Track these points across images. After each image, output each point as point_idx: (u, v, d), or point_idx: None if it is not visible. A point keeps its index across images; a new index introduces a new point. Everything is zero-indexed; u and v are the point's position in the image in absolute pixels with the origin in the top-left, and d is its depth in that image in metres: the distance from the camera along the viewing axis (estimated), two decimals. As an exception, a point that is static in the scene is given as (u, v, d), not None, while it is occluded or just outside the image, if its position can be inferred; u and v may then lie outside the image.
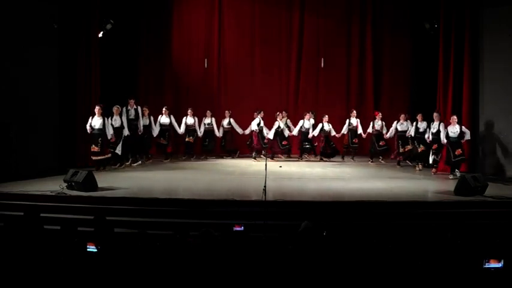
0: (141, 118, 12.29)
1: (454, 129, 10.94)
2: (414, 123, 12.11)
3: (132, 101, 12.20)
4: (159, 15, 15.26)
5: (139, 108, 12.31)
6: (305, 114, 13.61)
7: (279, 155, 13.95)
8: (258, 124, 13.36)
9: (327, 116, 13.56)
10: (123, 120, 11.78)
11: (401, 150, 12.52)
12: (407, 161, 12.88)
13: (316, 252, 4.88)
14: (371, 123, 13.30)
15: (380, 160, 13.44)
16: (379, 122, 13.12)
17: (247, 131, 13.90)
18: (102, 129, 11.13)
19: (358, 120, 13.52)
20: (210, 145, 13.88)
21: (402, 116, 12.60)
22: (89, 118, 11.26)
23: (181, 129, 13.43)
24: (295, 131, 13.59)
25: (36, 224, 6.05)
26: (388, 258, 4.80)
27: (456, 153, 10.88)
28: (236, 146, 14.31)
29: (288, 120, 13.90)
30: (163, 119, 13.09)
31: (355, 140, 13.48)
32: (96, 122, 11.13)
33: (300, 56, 15.29)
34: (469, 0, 11.65)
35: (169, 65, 15.41)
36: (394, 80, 15.10)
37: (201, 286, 4.45)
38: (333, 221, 7.69)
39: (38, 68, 11.25)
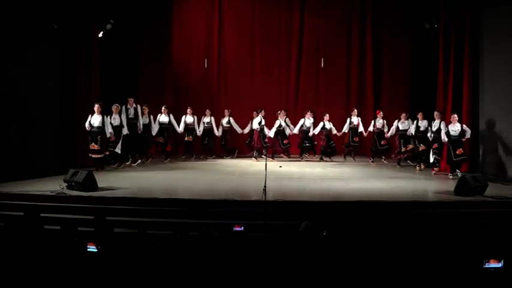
0: (140, 117, 12.28)
1: (455, 128, 10.94)
2: (415, 122, 12.12)
3: (131, 100, 12.19)
4: (159, 15, 15.27)
5: (138, 107, 12.30)
6: (306, 113, 13.63)
7: (280, 155, 13.95)
8: (259, 123, 13.36)
9: (327, 114, 13.57)
10: (123, 118, 11.77)
11: (403, 149, 12.53)
12: (408, 161, 12.88)
13: (316, 252, 4.88)
14: (372, 121, 13.31)
15: (383, 160, 13.44)
16: (381, 121, 13.13)
17: (246, 130, 13.92)
18: (101, 127, 11.11)
19: (360, 118, 13.53)
20: (210, 144, 13.87)
21: (403, 115, 12.62)
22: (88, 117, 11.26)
23: (180, 128, 13.43)
24: (296, 130, 13.60)
25: (36, 224, 6.04)
26: (388, 258, 4.80)
27: (457, 152, 10.87)
28: (235, 145, 14.32)
29: (287, 119, 13.91)
30: (163, 118, 13.09)
31: (356, 139, 13.49)
32: (95, 120, 11.12)
33: (300, 56, 15.30)
34: (469, 0, 11.65)
35: (169, 65, 15.42)
36: (394, 80, 15.09)
37: (201, 286, 4.45)
38: (333, 221, 7.69)
39: (38, 68, 11.25)
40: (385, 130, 12.99)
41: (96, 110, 11.16)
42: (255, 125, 13.41)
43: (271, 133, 13.40)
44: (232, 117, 13.98)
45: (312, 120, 13.59)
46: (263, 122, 13.39)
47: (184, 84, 15.41)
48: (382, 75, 15.19)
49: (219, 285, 4.44)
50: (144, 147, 12.76)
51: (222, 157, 14.07)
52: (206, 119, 13.76)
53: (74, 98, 11.88)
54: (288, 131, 13.60)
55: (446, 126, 11.08)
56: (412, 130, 12.14)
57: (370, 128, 13.31)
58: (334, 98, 15.18)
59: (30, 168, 10.75)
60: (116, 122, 11.57)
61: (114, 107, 11.67)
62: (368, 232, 6.54)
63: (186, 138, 13.55)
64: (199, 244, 5.09)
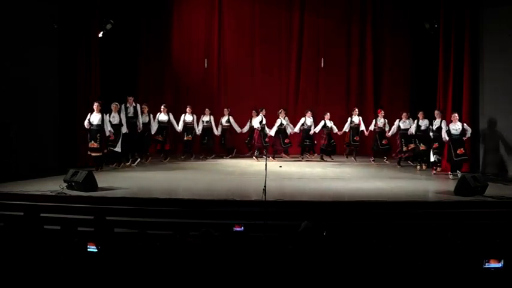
0: (140, 116, 12.27)
1: (455, 127, 10.94)
2: (415, 121, 12.12)
3: (130, 99, 12.18)
4: (159, 15, 15.27)
5: (138, 106, 12.30)
6: (306, 112, 13.63)
7: (281, 154, 13.95)
8: (261, 122, 13.36)
9: (328, 113, 13.57)
10: (122, 117, 11.76)
11: (404, 148, 12.53)
12: (409, 162, 12.87)
13: (316, 252, 4.88)
14: (373, 120, 13.32)
15: (385, 160, 13.44)
16: (382, 120, 13.13)
17: (244, 129, 13.93)
18: (101, 126, 11.10)
19: (361, 118, 13.54)
20: (209, 143, 13.86)
21: (404, 114, 12.64)
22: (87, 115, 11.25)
23: (179, 127, 13.42)
24: (296, 128, 13.61)
25: (36, 224, 6.04)
26: (388, 258, 4.80)
27: (458, 152, 10.86)
28: (234, 144, 14.32)
29: (287, 118, 13.91)
30: (162, 117, 13.08)
31: (357, 138, 13.49)
32: (94, 118, 11.10)
33: (300, 56, 15.30)
34: (469, 0, 11.65)
35: (169, 65, 15.42)
36: (394, 80, 15.10)
37: (201, 286, 4.45)
38: (333, 221, 7.69)
39: (38, 68, 11.25)
40: (387, 129, 12.99)
41: (95, 109, 11.15)
42: (256, 124, 13.40)
43: (272, 132, 13.41)
44: (231, 116, 13.98)
45: (312, 119, 13.60)
46: (264, 121, 13.40)
47: (184, 84, 15.42)
48: (382, 75, 15.20)
49: (219, 285, 4.44)
50: (143, 147, 12.75)
51: (221, 157, 14.07)
52: (205, 118, 13.75)
53: (74, 98, 11.88)
54: (289, 130, 13.61)
55: (447, 125, 11.08)
56: (412, 129, 12.15)
57: (372, 127, 13.31)
58: (334, 98, 15.18)
59: (30, 168, 10.75)
60: (115, 121, 11.55)
61: (113, 106, 11.66)
62: (368, 232, 6.54)
63: (185, 138, 13.55)
64: (199, 244, 5.09)
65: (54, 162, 11.43)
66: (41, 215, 6.56)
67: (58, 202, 8.68)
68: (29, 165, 10.82)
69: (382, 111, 13.22)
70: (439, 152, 11.44)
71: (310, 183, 10.46)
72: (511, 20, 11.24)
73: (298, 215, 7.46)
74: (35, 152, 11.05)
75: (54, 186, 9.28)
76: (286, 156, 13.95)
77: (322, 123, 13.51)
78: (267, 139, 13.42)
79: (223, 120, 13.94)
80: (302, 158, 13.79)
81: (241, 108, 14.44)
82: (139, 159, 12.55)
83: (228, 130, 14.00)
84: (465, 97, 11.69)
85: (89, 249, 4.90)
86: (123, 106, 11.94)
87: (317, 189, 9.74)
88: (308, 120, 13.55)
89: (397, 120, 12.71)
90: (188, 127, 13.50)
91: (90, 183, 9.15)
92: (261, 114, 13.42)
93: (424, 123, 11.95)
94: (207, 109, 13.86)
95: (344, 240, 5.47)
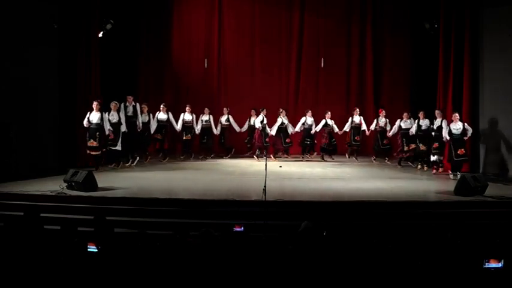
0: (139, 115, 12.26)
1: (456, 126, 10.94)
2: (416, 121, 12.12)
3: (130, 98, 12.16)
4: (159, 15, 15.27)
5: (137, 105, 12.29)
6: (307, 111, 13.64)
7: (282, 154, 13.94)
8: (262, 121, 13.35)
9: (329, 112, 13.56)
10: (121, 116, 11.75)
11: (405, 148, 12.53)
12: (409, 162, 12.84)
13: (316, 252, 4.88)
14: (375, 120, 13.32)
15: (386, 161, 13.43)
16: (383, 119, 13.12)
17: (243, 129, 13.93)
18: (100, 124, 11.09)
19: (362, 117, 13.54)
20: (208, 143, 13.83)
21: (405, 114, 12.65)
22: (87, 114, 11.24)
23: (179, 126, 13.40)
24: (297, 128, 13.61)
25: (36, 224, 6.04)
26: (388, 258, 4.80)
27: (459, 152, 10.85)
28: (233, 143, 14.32)
29: (286, 119, 13.89)
30: (161, 116, 13.07)
31: (357, 138, 13.49)
32: (93, 116, 11.09)
33: (300, 56, 15.30)
34: (469, 0, 11.65)
35: (169, 65, 15.42)
36: (394, 80, 15.10)
37: (201, 286, 4.45)
38: (333, 221, 7.69)
39: (38, 68, 11.24)
40: (388, 128, 12.99)
41: (94, 107, 11.14)
42: (257, 123, 13.38)
43: (273, 131, 13.41)
44: (231, 115, 13.97)
45: (312, 118, 13.60)
46: (265, 121, 13.39)
47: (184, 84, 15.41)
48: (382, 75, 15.20)
49: (219, 286, 4.44)
50: (143, 146, 12.74)
51: (221, 157, 14.06)
52: (205, 117, 13.72)
53: (74, 98, 11.87)
54: (290, 130, 13.61)
55: (448, 125, 11.08)
56: (413, 129, 12.14)
57: (373, 127, 13.31)
58: (334, 97, 15.17)
59: (30, 168, 10.74)
60: (115, 120, 11.53)
61: (112, 104, 11.64)
62: (368, 232, 6.54)
63: (184, 137, 13.54)
64: (199, 244, 5.09)
65: (54, 162, 11.43)
66: (41, 215, 6.56)
67: (58, 202, 8.68)
68: (29, 165, 10.82)
69: (384, 111, 13.21)
70: (440, 152, 11.44)
71: (310, 183, 10.46)
72: (511, 20, 11.24)
73: (298, 215, 7.45)
74: (35, 152, 11.04)
75: (54, 186, 9.28)
76: (286, 156, 13.94)
77: (323, 122, 13.50)
78: (267, 139, 13.42)
79: (223, 119, 13.94)
80: (303, 158, 13.79)
81: (241, 108, 14.43)
82: (138, 158, 12.54)
83: (227, 129, 14.00)
84: (465, 97, 11.69)
85: (89, 249, 4.90)
86: (122, 105, 11.93)
87: (317, 189, 9.74)
88: (309, 119, 13.55)
89: (398, 120, 12.71)
90: (187, 126, 13.49)
91: (90, 183, 9.15)
92: (262, 114, 13.41)
93: (424, 123, 11.95)
94: (206, 108, 13.83)
95: (344, 240, 5.47)
